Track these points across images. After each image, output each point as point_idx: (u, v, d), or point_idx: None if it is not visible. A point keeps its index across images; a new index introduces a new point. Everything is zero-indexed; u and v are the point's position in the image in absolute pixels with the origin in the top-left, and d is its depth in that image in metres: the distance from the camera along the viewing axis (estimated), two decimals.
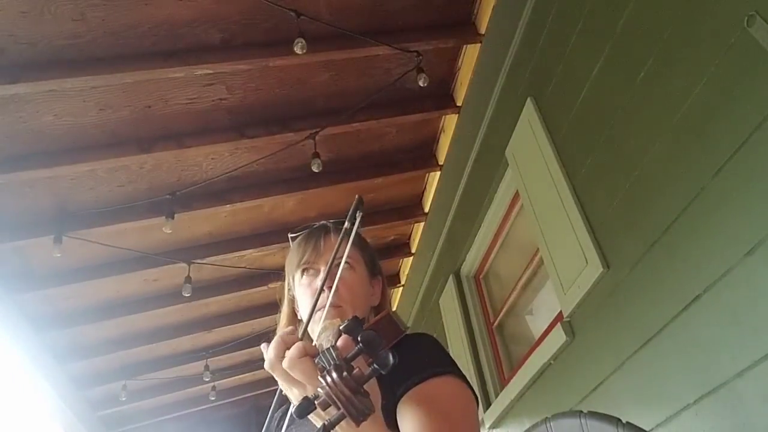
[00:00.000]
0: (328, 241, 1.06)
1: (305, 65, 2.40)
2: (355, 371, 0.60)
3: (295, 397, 0.72)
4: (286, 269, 1.12)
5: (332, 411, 0.59)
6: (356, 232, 1.13)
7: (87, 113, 2.29)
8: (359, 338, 0.62)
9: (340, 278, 1.01)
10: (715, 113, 1.28)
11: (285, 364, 0.69)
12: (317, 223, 1.12)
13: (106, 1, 1.96)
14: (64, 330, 3.31)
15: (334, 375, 0.59)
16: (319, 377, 0.61)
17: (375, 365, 0.59)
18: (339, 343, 0.67)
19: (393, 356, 0.59)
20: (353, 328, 0.71)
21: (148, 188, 2.71)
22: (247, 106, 2.51)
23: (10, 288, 2.89)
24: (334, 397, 0.58)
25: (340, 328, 0.71)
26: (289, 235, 1.14)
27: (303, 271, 1.05)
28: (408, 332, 0.91)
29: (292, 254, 1.09)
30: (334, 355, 0.64)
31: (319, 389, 0.60)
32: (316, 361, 0.67)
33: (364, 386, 0.61)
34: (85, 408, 4.06)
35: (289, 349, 0.71)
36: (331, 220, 1.12)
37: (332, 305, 0.96)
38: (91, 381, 3.88)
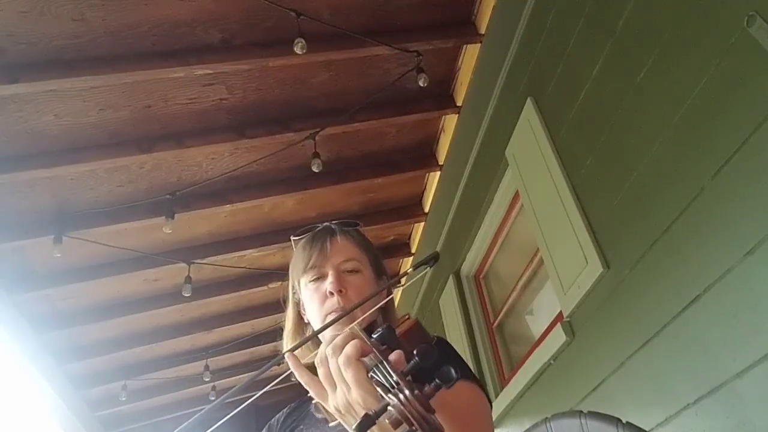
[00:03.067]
0: (334, 244, 1.04)
1: (305, 65, 2.40)
2: (426, 389, 0.58)
3: (334, 400, 0.68)
4: (290, 272, 1.10)
5: (404, 428, 0.57)
6: (360, 232, 1.10)
7: (87, 113, 2.29)
8: (415, 352, 0.60)
9: (348, 282, 1.00)
10: (715, 113, 1.28)
11: (341, 359, 0.66)
12: (321, 225, 1.10)
13: (106, 1, 1.96)
14: (64, 330, 3.31)
15: (407, 392, 0.57)
16: (388, 394, 0.58)
17: (437, 380, 0.57)
18: (392, 357, 0.64)
19: (455, 371, 0.57)
20: (388, 338, 0.68)
21: (148, 188, 2.71)
22: (247, 106, 2.51)
23: (9, 288, 2.89)
24: (409, 416, 0.56)
25: (374, 336, 0.68)
26: (292, 238, 1.11)
27: (309, 275, 1.03)
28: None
29: (298, 257, 1.07)
30: (389, 368, 0.61)
31: (389, 407, 0.57)
32: (369, 375, 0.64)
33: None
34: (85, 408, 4.06)
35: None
36: (334, 221, 1.10)
37: (343, 309, 0.96)
38: (90, 381, 3.87)
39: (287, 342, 1.09)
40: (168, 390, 4.33)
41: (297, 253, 1.08)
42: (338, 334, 0.70)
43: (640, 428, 0.94)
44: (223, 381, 4.47)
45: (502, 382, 2.64)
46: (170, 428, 4.80)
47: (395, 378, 0.59)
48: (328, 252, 1.02)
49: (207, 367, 4.12)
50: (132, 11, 2.01)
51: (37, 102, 2.18)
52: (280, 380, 0.81)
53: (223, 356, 4.20)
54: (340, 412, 0.68)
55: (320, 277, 1.02)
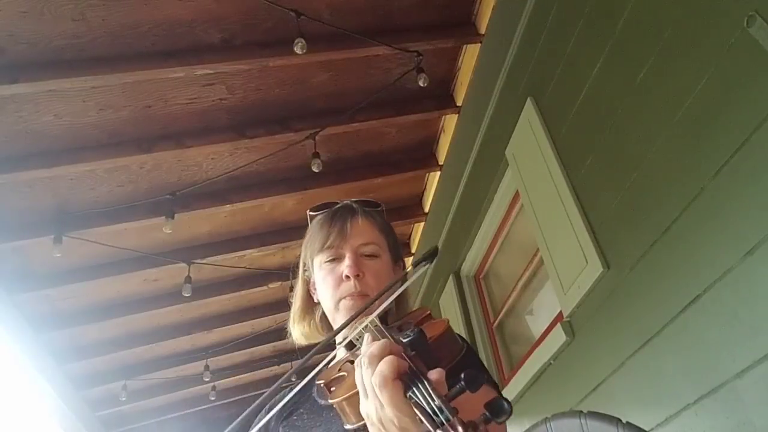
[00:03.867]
0: (355, 225, 0.98)
1: (305, 65, 2.40)
2: (480, 428, 0.51)
3: (366, 408, 0.64)
4: (303, 248, 1.05)
5: None
6: (381, 214, 1.04)
7: (87, 113, 2.29)
8: (462, 376, 0.54)
9: (365, 266, 0.95)
10: (715, 113, 1.28)
11: (376, 380, 0.60)
12: (341, 202, 1.04)
13: (106, 1, 1.96)
14: (64, 330, 3.31)
15: (460, 430, 0.51)
16: (436, 429, 0.53)
17: (487, 413, 0.52)
18: (433, 376, 0.59)
19: (508, 404, 0.52)
20: (419, 343, 0.63)
21: (148, 188, 2.71)
22: (247, 106, 2.51)
23: (10, 288, 2.89)
24: None
25: (404, 340, 0.64)
26: (309, 213, 1.06)
27: (326, 255, 0.98)
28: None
29: (314, 235, 1.01)
30: (431, 391, 0.56)
31: None
32: (408, 394, 0.58)
33: None
34: (85, 408, 4.06)
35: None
36: (354, 200, 1.05)
37: (359, 294, 0.93)
38: (90, 381, 3.88)
39: (293, 320, 1.05)
40: (168, 390, 4.33)
41: (313, 229, 1.03)
42: (374, 343, 0.65)
43: (640, 428, 0.94)
44: (223, 381, 4.47)
45: (502, 382, 2.64)
46: (171, 428, 4.81)
47: (437, 403, 0.54)
48: (348, 233, 0.97)
49: (207, 367, 4.12)
50: (132, 11, 2.01)
51: (37, 102, 2.18)
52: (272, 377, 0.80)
53: (223, 356, 4.20)
54: (371, 420, 0.64)
55: (336, 258, 0.97)
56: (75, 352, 3.56)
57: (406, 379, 0.59)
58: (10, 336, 3.04)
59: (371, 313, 0.78)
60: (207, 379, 4.14)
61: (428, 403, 0.55)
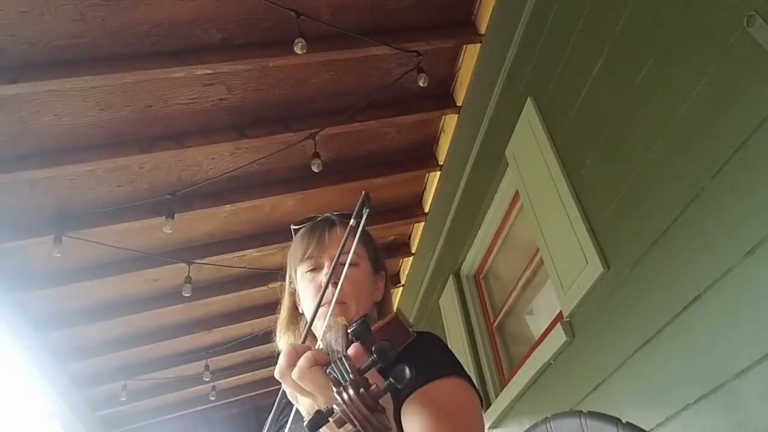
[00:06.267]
0: (333, 235, 1.03)
1: (305, 65, 2.40)
2: (372, 388, 0.57)
3: (304, 407, 0.70)
4: (288, 261, 1.10)
5: (348, 427, 0.56)
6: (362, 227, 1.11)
7: (87, 113, 2.29)
8: (373, 349, 0.59)
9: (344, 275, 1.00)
10: (715, 113, 1.28)
11: (295, 374, 0.66)
12: (321, 216, 1.09)
13: (106, 1, 1.96)
14: (64, 330, 3.31)
15: (351, 392, 0.56)
16: (335, 393, 0.58)
17: (391, 379, 0.57)
18: (350, 351, 0.64)
19: (410, 369, 0.56)
20: (362, 332, 0.68)
21: (148, 188, 2.71)
22: (247, 106, 2.51)
23: (10, 288, 2.89)
24: (351, 416, 0.56)
25: (349, 331, 0.68)
26: (292, 227, 1.11)
27: (306, 265, 1.03)
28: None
29: (295, 247, 1.07)
30: (347, 366, 0.61)
31: (334, 406, 0.57)
32: (327, 371, 0.64)
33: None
34: (85, 408, 4.06)
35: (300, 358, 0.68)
36: (335, 213, 1.09)
37: (336, 302, 0.94)
38: (90, 381, 3.88)
39: (280, 330, 1.09)
40: (168, 390, 4.33)
41: (295, 242, 1.08)
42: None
43: (640, 428, 0.94)
44: (223, 381, 4.47)
45: (502, 382, 2.64)
46: (171, 428, 4.81)
47: (351, 376, 0.59)
48: (326, 243, 1.02)
49: (207, 367, 4.12)
50: (132, 11, 2.01)
51: (37, 102, 2.18)
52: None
53: (224, 356, 4.20)
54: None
55: (317, 268, 1.01)
56: (75, 352, 3.56)
57: (324, 363, 0.65)
58: (11, 335, 3.04)
59: (337, 315, 0.82)
60: (207, 379, 4.14)
61: (343, 377, 0.60)
